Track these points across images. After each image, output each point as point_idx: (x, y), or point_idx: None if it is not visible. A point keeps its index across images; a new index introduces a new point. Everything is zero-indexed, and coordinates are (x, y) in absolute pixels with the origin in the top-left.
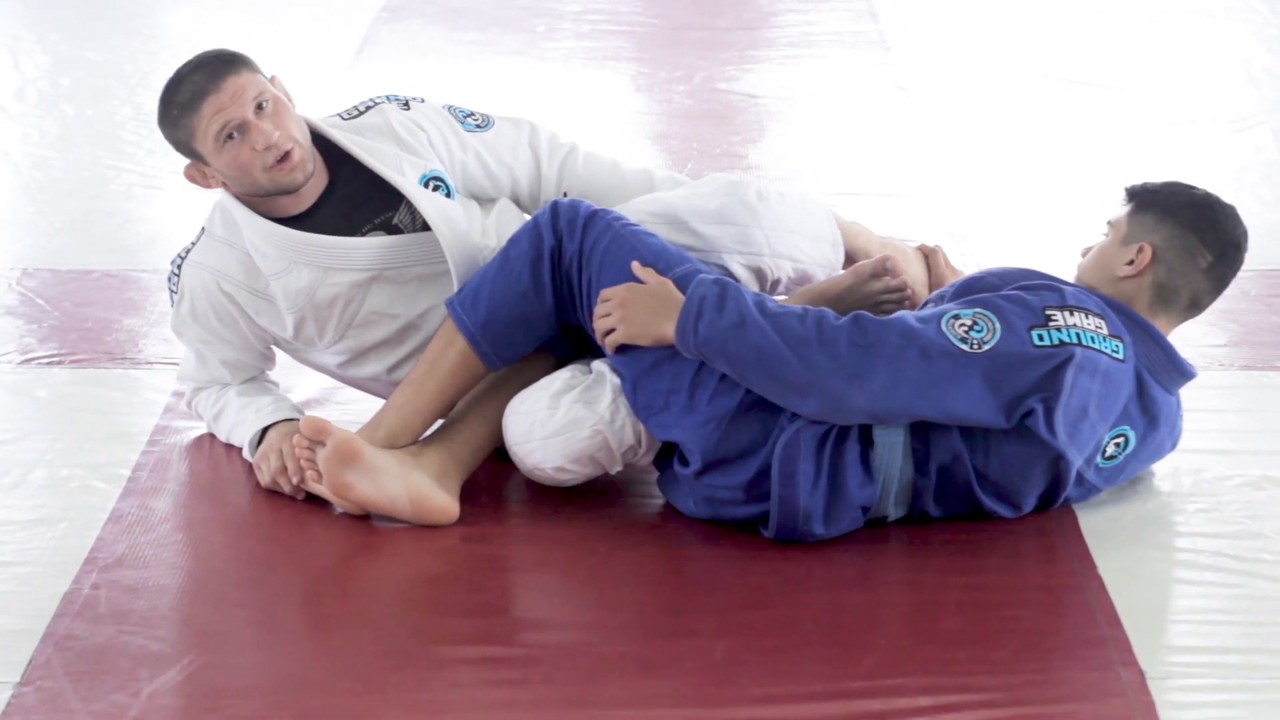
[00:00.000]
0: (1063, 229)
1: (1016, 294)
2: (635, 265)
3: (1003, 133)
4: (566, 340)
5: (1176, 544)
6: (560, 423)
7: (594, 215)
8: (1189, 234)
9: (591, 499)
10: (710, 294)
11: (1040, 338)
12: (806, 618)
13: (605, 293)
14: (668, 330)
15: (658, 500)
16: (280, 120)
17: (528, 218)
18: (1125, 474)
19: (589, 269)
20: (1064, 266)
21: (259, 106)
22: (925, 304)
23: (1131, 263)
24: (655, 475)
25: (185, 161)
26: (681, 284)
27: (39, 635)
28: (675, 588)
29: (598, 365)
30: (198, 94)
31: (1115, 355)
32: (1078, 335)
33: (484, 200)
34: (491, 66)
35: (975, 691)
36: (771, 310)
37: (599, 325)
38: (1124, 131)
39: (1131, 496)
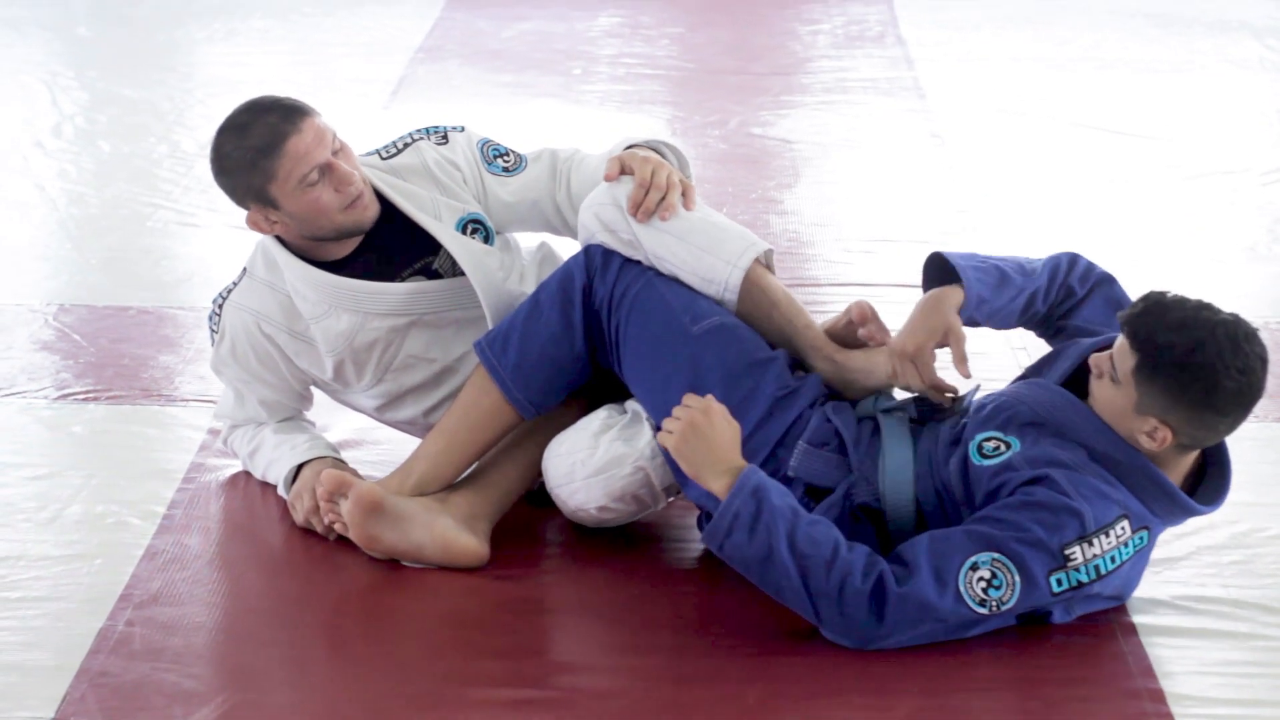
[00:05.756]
0: None
1: (1036, 531)
2: (689, 397)
3: (1036, 181)
4: (605, 388)
5: (1211, 596)
6: (601, 461)
7: (627, 261)
8: (1204, 412)
9: (627, 542)
10: (744, 512)
11: (1059, 582)
12: (840, 665)
13: (688, 399)
14: (712, 485)
15: (693, 544)
16: (352, 161)
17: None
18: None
19: (617, 314)
20: None
21: (333, 150)
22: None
23: (1150, 435)
24: (690, 518)
25: (224, 200)
26: (711, 342)
27: (73, 671)
28: (708, 632)
29: (633, 405)
30: (278, 136)
31: (1139, 547)
32: (1096, 569)
33: (526, 229)
34: (527, 108)
35: None
36: (800, 546)
37: (665, 424)
38: (1157, 181)
39: (1166, 550)
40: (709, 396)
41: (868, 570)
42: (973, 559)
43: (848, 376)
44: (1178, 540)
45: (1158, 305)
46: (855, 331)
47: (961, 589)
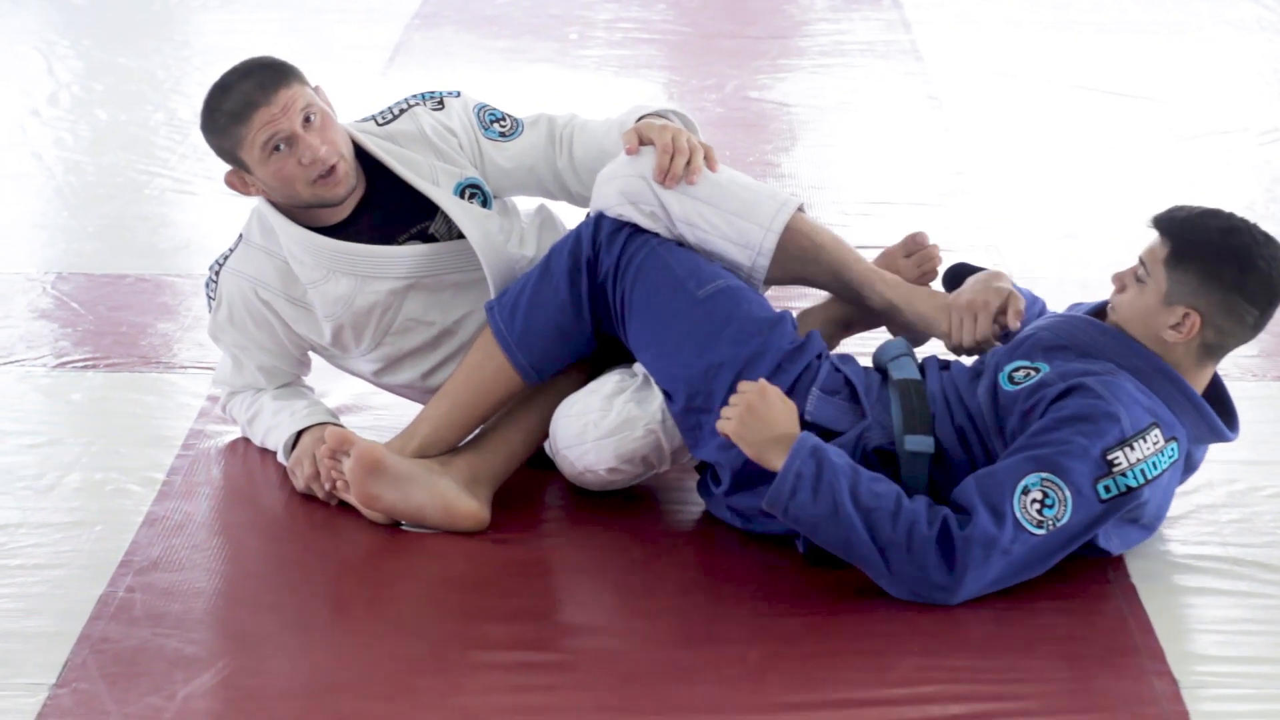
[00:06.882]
0: (1094, 240)
1: (1079, 441)
2: (743, 384)
3: (1034, 143)
4: (609, 356)
5: (1209, 554)
6: (613, 423)
7: (635, 231)
8: (1234, 296)
9: (628, 505)
10: (806, 472)
11: (1106, 489)
12: (840, 625)
13: (742, 385)
14: (775, 462)
15: (694, 506)
16: (327, 134)
17: (568, 228)
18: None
19: (622, 283)
20: (1094, 278)
21: (306, 119)
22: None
23: (1177, 327)
24: (690, 481)
25: (220, 168)
26: (718, 304)
27: (74, 638)
28: (710, 594)
29: (642, 368)
30: (248, 104)
31: (1172, 459)
32: (1141, 474)
33: (523, 195)
34: (523, 74)
35: (1008, 700)
36: (865, 500)
37: (724, 412)
38: (1155, 142)
39: None
40: (761, 380)
41: (931, 518)
42: (1022, 484)
43: (904, 318)
44: (1177, 499)
45: (1186, 206)
46: (911, 265)
47: (1018, 515)
